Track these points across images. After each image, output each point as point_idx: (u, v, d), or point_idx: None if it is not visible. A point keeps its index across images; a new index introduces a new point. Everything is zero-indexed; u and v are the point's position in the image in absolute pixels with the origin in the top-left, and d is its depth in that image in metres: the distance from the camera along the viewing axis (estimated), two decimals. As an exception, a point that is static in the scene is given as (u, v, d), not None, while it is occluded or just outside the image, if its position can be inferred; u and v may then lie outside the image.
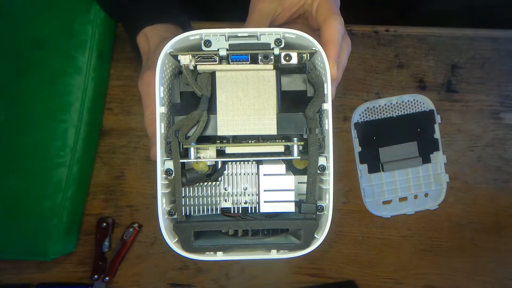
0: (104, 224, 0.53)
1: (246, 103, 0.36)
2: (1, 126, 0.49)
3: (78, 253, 0.54)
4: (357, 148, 0.57)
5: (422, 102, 0.57)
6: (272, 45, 0.35)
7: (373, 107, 0.56)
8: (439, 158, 0.57)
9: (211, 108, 0.36)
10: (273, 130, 0.36)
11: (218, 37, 0.34)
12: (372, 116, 0.56)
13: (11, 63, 0.49)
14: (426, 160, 0.57)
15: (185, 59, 0.35)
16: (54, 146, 0.49)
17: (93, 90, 0.51)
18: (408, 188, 0.57)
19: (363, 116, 0.56)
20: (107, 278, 0.53)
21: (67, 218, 0.51)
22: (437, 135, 0.57)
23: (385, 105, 0.56)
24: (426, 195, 0.57)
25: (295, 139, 0.36)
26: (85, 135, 0.51)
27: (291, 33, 0.34)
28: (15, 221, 0.50)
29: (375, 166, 0.57)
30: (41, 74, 0.49)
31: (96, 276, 0.53)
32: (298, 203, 0.37)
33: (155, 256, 0.55)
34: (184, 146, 0.36)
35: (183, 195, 0.36)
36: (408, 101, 0.57)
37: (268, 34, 0.35)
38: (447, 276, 0.58)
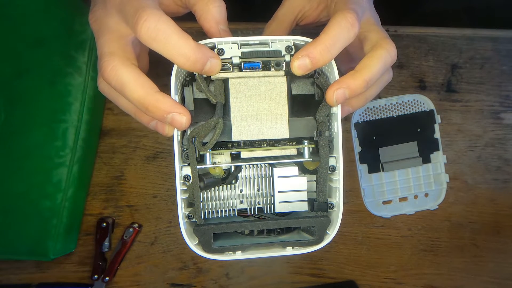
0: (104, 224, 0.53)
1: (259, 108, 0.37)
2: (1, 126, 0.49)
3: (78, 253, 0.54)
4: (357, 148, 0.57)
5: (422, 102, 0.57)
6: (283, 52, 0.36)
7: (373, 107, 0.56)
8: (439, 158, 0.57)
9: (225, 114, 0.37)
10: (285, 134, 0.37)
11: (231, 45, 0.35)
12: (372, 116, 0.56)
13: (11, 63, 0.49)
14: (426, 160, 0.57)
15: None
16: (54, 146, 0.49)
17: (93, 90, 0.51)
18: (408, 188, 0.57)
19: (363, 116, 0.56)
20: (107, 278, 0.53)
21: (67, 218, 0.51)
22: (437, 135, 0.57)
23: (385, 105, 0.56)
24: (426, 195, 0.57)
25: (306, 141, 0.37)
26: (85, 135, 0.51)
27: (301, 40, 0.35)
28: (15, 221, 0.49)
29: (375, 166, 0.57)
30: (41, 74, 0.49)
31: (96, 276, 0.53)
32: (309, 201, 0.38)
33: (155, 256, 0.55)
34: (201, 153, 0.37)
35: (201, 200, 0.37)
36: (408, 101, 0.57)
37: (278, 41, 0.36)
38: (447, 276, 0.58)
